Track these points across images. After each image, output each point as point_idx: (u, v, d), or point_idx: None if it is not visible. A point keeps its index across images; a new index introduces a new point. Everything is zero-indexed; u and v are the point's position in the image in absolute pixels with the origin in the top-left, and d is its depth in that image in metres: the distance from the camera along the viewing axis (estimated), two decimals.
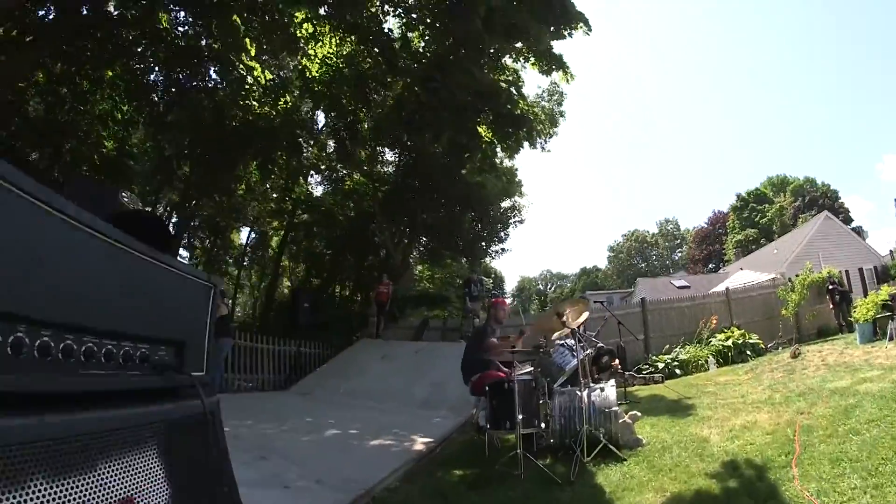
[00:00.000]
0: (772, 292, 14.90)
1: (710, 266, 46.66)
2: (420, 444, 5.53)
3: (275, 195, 18.95)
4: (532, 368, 4.97)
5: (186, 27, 13.36)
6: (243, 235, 28.14)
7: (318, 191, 23.13)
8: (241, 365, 11.01)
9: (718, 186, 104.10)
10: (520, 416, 4.16)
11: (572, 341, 4.88)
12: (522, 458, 4.09)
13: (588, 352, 5.22)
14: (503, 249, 22.63)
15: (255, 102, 13.66)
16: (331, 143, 15.03)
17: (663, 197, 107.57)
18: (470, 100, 10.62)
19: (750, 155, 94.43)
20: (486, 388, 4.57)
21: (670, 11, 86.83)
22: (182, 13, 13.16)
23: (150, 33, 12.44)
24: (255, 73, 13.27)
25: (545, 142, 22.53)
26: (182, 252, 26.14)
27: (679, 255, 62.89)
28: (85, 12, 11.81)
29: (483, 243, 19.71)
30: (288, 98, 13.87)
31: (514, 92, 11.19)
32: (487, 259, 25.91)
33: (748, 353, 11.46)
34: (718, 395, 7.10)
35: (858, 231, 29.09)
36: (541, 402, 4.76)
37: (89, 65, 12.15)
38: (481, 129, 11.39)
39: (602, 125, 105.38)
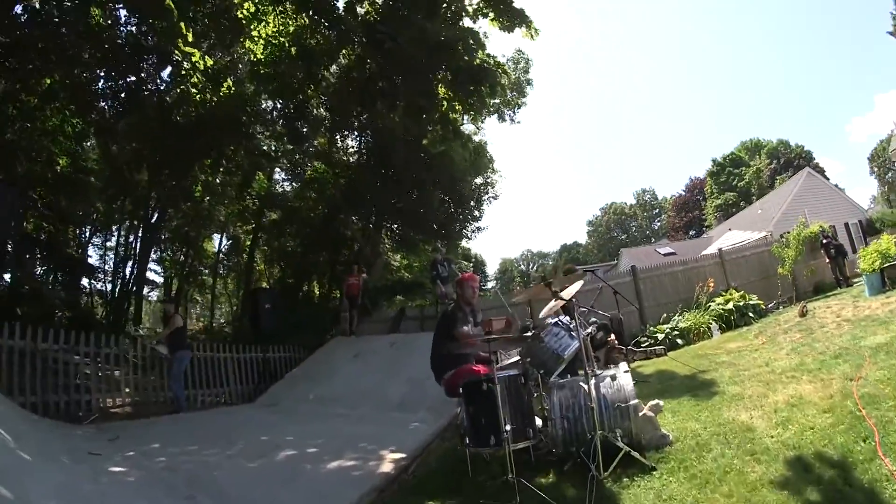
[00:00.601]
0: (765, 251, 14.01)
1: (691, 233, 46.10)
2: (389, 462, 4.35)
3: (234, 194, 17.44)
4: (518, 358, 3.83)
5: (125, 26, 12.06)
6: (217, 243, 26.77)
7: (285, 188, 21.79)
8: (204, 378, 9.76)
9: (692, 154, 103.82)
10: (507, 428, 3.00)
11: (567, 318, 3.71)
12: (516, 483, 2.93)
13: (589, 330, 4.02)
14: (479, 228, 21.33)
15: (194, 90, 12.29)
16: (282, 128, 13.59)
17: (638, 167, 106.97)
18: (423, 58, 9.36)
19: (721, 121, 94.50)
20: (460, 390, 3.42)
21: None
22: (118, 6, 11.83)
23: (86, 33, 11.19)
24: (194, 59, 11.86)
25: (514, 113, 21.42)
26: (154, 266, 24.70)
27: (658, 224, 62.36)
28: (23, 21, 10.65)
29: (457, 224, 18.30)
30: (230, 83, 12.49)
31: (472, 41, 9.86)
32: (464, 242, 24.60)
33: (750, 315, 10.49)
34: (738, 365, 6.03)
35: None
36: (534, 396, 3.63)
37: (34, 79, 11.15)
38: (440, 90, 10.09)
39: (571, 97, 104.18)
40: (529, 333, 3.85)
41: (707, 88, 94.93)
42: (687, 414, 4.14)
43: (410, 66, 9.38)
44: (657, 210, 63.27)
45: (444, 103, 9.98)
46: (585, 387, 3.24)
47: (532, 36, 10.92)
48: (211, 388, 9.81)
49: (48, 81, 11.46)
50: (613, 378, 3.37)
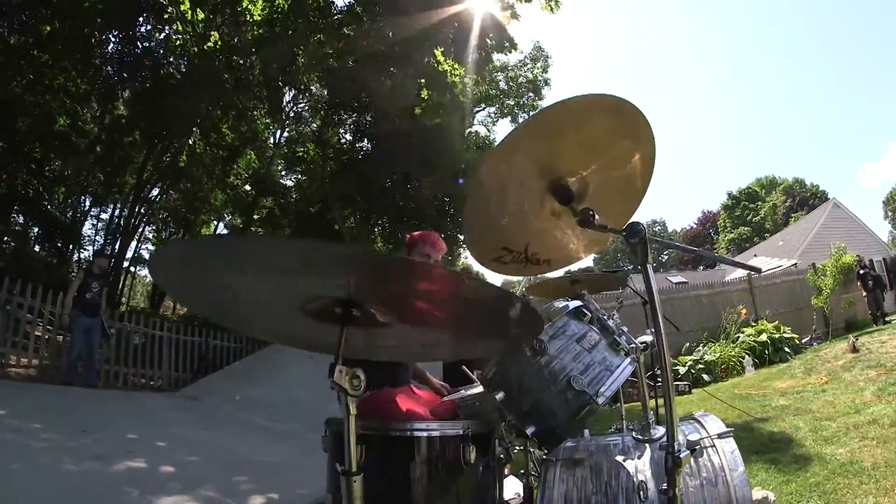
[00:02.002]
0: (797, 279, 12.09)
1: (700, 267, 43.68)
2: None
3: (220, 169, 15.87)
4: (477, 392, 1.66)
5: None
6: (213, 230, 25.37)
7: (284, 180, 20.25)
8: (133, 356, 8.04)
9: (706, 188, 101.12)
10: None
11: (596, 307, 1.52)
12: None
13: (646, 338, 1.54)
14: None
15: (177, 38, 10.96)
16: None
17: (651, 197, 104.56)
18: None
19: (737, 157, 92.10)
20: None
21: (656, 13, 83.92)
22: None
23: None
24: (183, 7, 10.42)
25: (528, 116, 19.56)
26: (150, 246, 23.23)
27: (666, 256, 59.84)
28: None
29: (454, 227, 16.04)
30: (217, 36, 10.98)
31: None
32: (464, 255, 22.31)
33: (786, 350, 8.58)
34: (810, 411, 4.08)
35: None
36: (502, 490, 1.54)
37: (48, 36, 10.81)
38: (437, 54, 8.33)
39: None
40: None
41: (725, 123, 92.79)
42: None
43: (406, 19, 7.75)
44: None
45: (441, 59, 8.14)
46: (632, 467, 1.36)
47: (552, 9, 9.27)
48: (140, 367, 8.10)
49: (48, 28, 10.82)
50: (697, 451, 1.32)
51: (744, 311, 9.49)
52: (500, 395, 1.36)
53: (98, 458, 3.14)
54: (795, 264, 14.76)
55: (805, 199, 38.70)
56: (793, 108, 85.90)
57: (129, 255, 20.04)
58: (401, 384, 2.01)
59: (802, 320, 10.93)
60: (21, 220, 15.53)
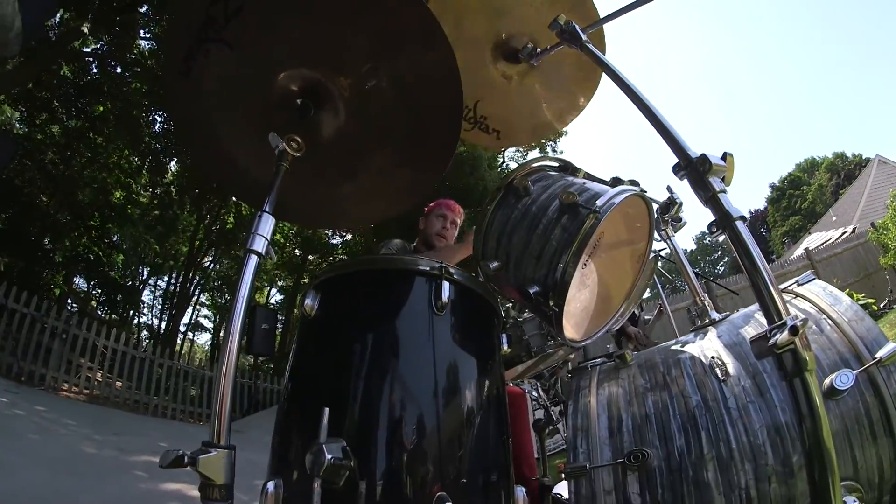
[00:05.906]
0: (858, 244, 10.98)
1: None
2: None
3: None
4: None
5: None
6: (266, 295, 25.80)
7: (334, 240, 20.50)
8: (195, 399, 8.85)
9: (747, 187, 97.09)
10: None
11: None
12: None
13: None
14: None
15: None
16: None
17: (695, 212, 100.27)
18: None
19: (771, 148, 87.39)
20: None
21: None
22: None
23: (133, 64, 11.91)
24: None
25: (555, 143, 18.95)
26: (205, 311, 23.90)
27: (722, 267, 55.85)
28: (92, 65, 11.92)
29: None
30: None
31: None
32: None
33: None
34: None
35: None
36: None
37: (101, 121, 12.24)
38: None
39: (613, 136, 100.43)
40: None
41: (749, 114, 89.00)
42: None
43: None
44: (719, 251, 56.89)
45: None
46: (696, 349, 1.09)
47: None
48: (192, 405, 8.62)
49: (100, 109, 12.00)
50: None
51: None
52: (494, 265, 1.14)
53: (120, 450, 3.07)
54: (854, 229, 13.42)
55: (850, 171, 35.56)
56: (816, 81, 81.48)
57: (186, 320, 20.84)
58: None
59: (875, 286, 9.93)
60: (85, 286, 16.59)
